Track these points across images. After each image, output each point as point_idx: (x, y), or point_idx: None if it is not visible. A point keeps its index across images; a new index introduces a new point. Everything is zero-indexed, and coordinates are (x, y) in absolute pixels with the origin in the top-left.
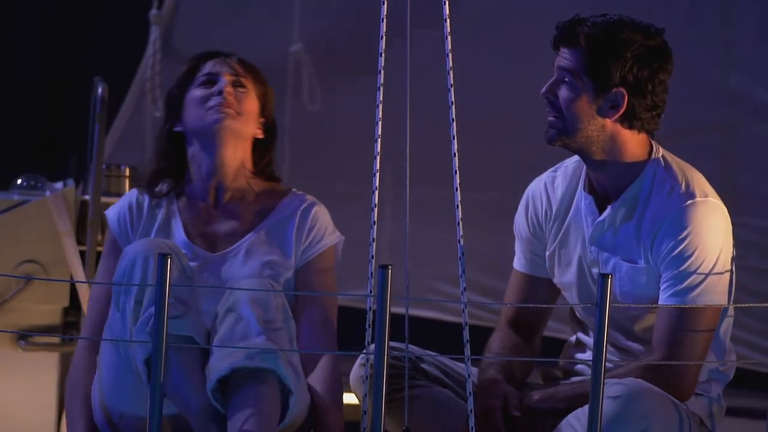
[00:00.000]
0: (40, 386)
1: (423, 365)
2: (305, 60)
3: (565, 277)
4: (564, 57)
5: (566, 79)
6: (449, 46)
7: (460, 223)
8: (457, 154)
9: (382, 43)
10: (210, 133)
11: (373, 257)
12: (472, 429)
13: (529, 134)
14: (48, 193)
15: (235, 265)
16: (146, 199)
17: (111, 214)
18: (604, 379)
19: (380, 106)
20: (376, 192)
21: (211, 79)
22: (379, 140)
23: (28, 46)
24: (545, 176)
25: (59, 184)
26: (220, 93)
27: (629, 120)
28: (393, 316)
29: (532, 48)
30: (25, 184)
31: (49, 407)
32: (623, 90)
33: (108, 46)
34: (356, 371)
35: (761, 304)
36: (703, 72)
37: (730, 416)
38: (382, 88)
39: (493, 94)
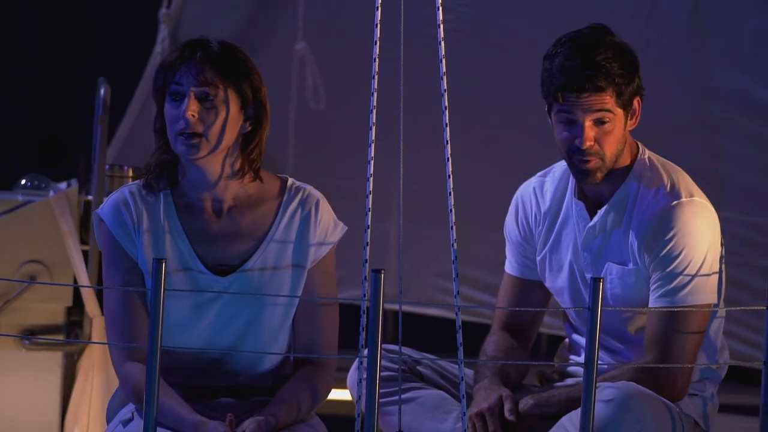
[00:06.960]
0: (43, 385)
1: (419, 368)
2: (310, 59)
3: (557, 282)
4: (588, 101)
5: (603, 121)
6: (443, 51)
7: (454, 227)
8: (450, 159)
9: (376, 48)
10: (184, 159)
11: (366, 261)
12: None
13: (531, 126)
14: (51, 193)
15: (252, 285)
16: (138, 195)
17: (106, 214)
18: (596, 382)
19: (374, 111)
20: (370, 197)
21: (179, 92)
22: (373, 145)
23: (35, 45)
24: (534, 181)
25: (63, 185)
26: (184, 116)
27: (635, 122)
28: (392, 314)
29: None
30: (29, 184)
31: (53, 406)
32: (638, 98)
33: (116, 44)
34: (353, 373)
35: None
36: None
37: (724, 413)
38: (376, 93)
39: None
